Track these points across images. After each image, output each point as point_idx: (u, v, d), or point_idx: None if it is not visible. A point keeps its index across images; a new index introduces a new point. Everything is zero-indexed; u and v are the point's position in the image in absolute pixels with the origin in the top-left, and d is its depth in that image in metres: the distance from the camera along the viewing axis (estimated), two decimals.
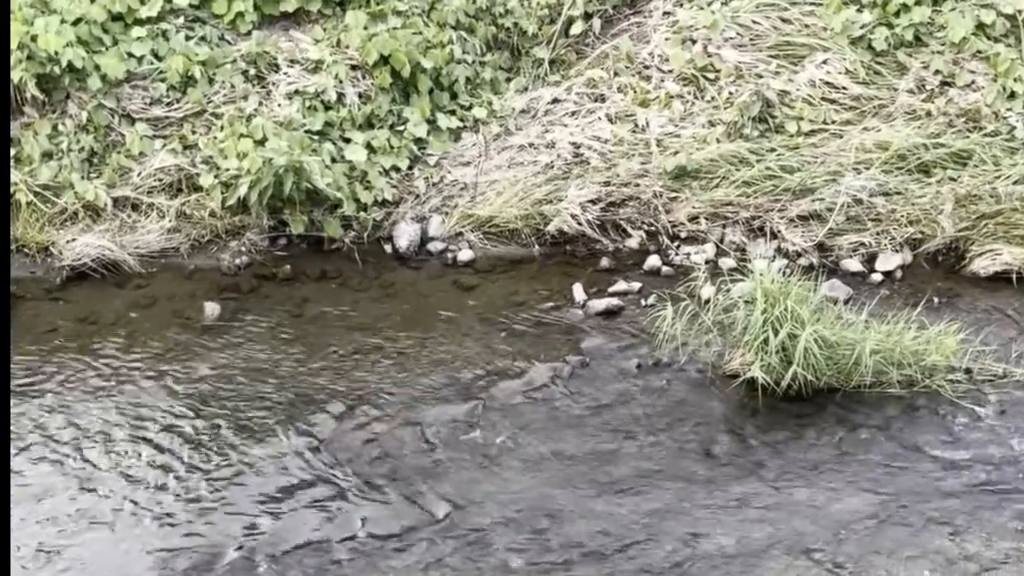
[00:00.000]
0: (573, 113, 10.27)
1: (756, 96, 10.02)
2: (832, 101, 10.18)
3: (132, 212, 9.66)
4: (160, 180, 9.73)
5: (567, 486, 7.51)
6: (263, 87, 10.09)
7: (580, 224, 9.68)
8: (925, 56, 10.36)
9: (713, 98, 10.24)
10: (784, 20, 10.56)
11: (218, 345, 8.69)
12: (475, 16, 10.62)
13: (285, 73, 10.14)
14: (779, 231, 9.63)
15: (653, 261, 9.55)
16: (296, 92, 10.05)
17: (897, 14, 10.40)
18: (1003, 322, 8.90)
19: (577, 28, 10.62)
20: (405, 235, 9.71)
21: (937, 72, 10.26)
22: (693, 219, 9.74)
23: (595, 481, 7.54)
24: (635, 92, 10.32)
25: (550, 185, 9.86)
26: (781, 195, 9.71)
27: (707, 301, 8.61)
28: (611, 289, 9.24)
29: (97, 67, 9.79)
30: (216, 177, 9.64)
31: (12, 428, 7.78)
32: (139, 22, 10.07)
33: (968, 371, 8.32)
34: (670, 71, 10.43)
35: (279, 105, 9.95)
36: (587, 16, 10.68)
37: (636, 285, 9.27)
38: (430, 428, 7.93)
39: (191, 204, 9.68)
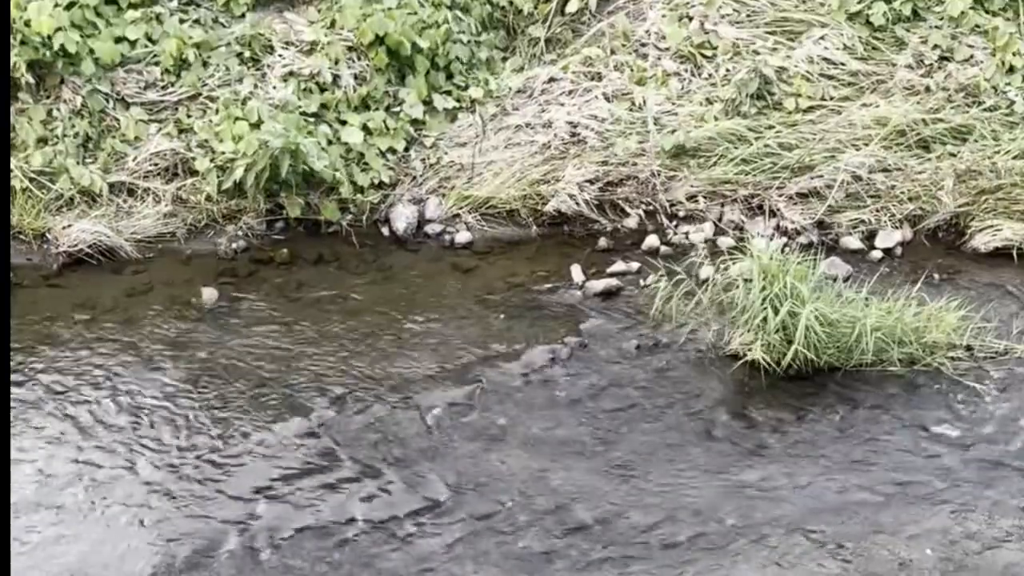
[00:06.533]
0: (570, 92, 10.23)
1: (754, 73, 9.98)
2: (830, 77, 10.15)
3: (128, 197, 9.63)
4: (156, 165, 9.70)
5: (568, 468, 7.49)
6: (258, 70, 10.04)
7: (578, 204, 9.66)
8: (923, 31, 10.33)
9: (710, 75, 10.20)
10: None
11: (216, 330, 8.67)
12: None
13: (280, 55, 10.09)
14: (778, 209, 9.61)
15: (651, 241, 9.53)
16: (291, 74, 10.00)
17: None
18: (1004, 298, 8.88)
19: (573, 6, 10.56)
20: (402, 217, 9.69)
21: (936, 47, 10.23)
22: (691, 198, 9.72)
23: (595, 462, 7.53)
24: (632, 70, 10.28)
25: (547, 165, 9.82)
26: (779, 173, 9.68)
27: (706, 281, 8.60)
28: (609, 270, 9.22)
29: (91, 51, 9.74)
30: (212, 161, 9.61)
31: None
32: (132, 5, 10.01)
33: (969, 348, 8.31)
34: (667, 49, 10.39)
35: (274, 88, 9.91)
36: None
37: (634, 265, 9.25)
38: (429, 411, 7.91)
39: (187, 188, 9.65)
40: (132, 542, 7.00)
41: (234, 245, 9.52)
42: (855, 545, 6.92)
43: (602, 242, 9.57)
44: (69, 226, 9.37)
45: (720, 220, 9.65)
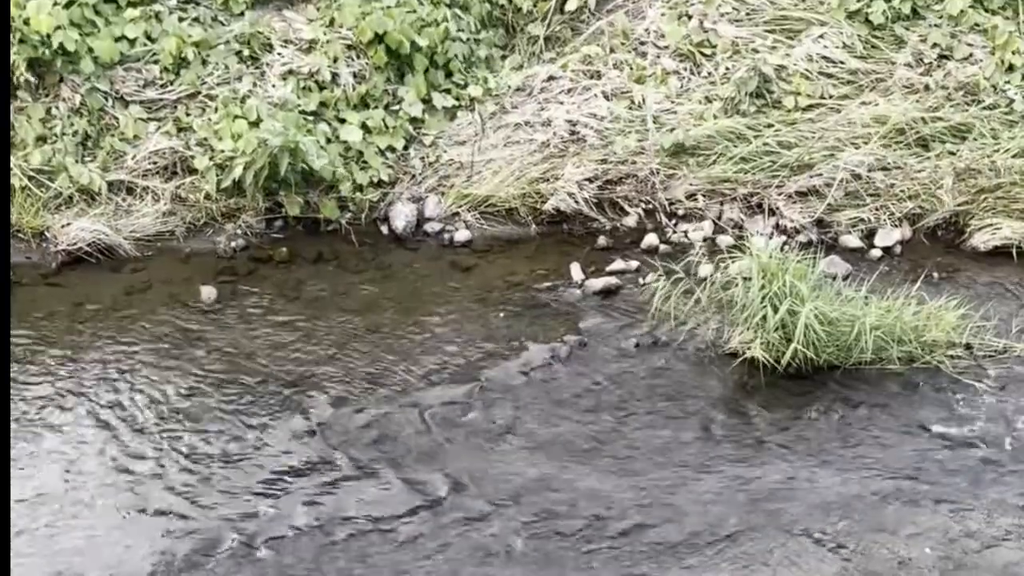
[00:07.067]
0: (569, 91, 10.22)
1: (753, 71, 9.97)
2: (829, 76, 10.15)
3: (127, 196, 9.62)
4: (155, 163, 9.69)
5: (567, 466, 7.49)
6: (257, 68, 10.04)
7: (577, 203, 9.66)
8: (923, 29, 10.33)
9: (710, 74, 10.20)
10: None
11: (215, 329, 8.66)
12: None
13: (279, 53, 10.09)
14: (777, 207, 9.61)
15: (651, 239, 9.52)
16: (290, 72, 9.99)
17: None
18: (1003, 297, 8.89)
19: (572, 4, 10.55)
20: (401, 216, 9.68)
21: (935, 45, 10.23)
22: (690, 196, 9.72)
23: (595, 461, 7.53)
24: (631, 69, 10.28)
25: (547, 164, 9.82)
26: (779, 171, 9.68)
27: (705, 279, 8.61)
28: (609, 268, 9.22)
29: (90, 49, 9.73)
30: (211, 159, 9.61)
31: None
32: (132, 3, 10.00)
33: (968, 346, 8.31)
34: (666, 47, 10.38)
35: (273, 86, 9.90)
36: None
37: (634, 264, 9.25)
38: (428, 410, 7.91)
39: (186, 187, 9.64)
40: (131, 541, 6.99)
41: (233, 243, 9.52)
42: (855, 543, 6.92)
43: (601, 240, 9.57)
44: (68, 224, 9.36)
45: (719, 218, 9.64)
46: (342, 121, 9.91)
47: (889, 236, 9.50)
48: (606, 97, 10.14)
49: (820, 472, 7.42)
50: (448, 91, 10.27)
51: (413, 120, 10.10)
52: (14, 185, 9.36)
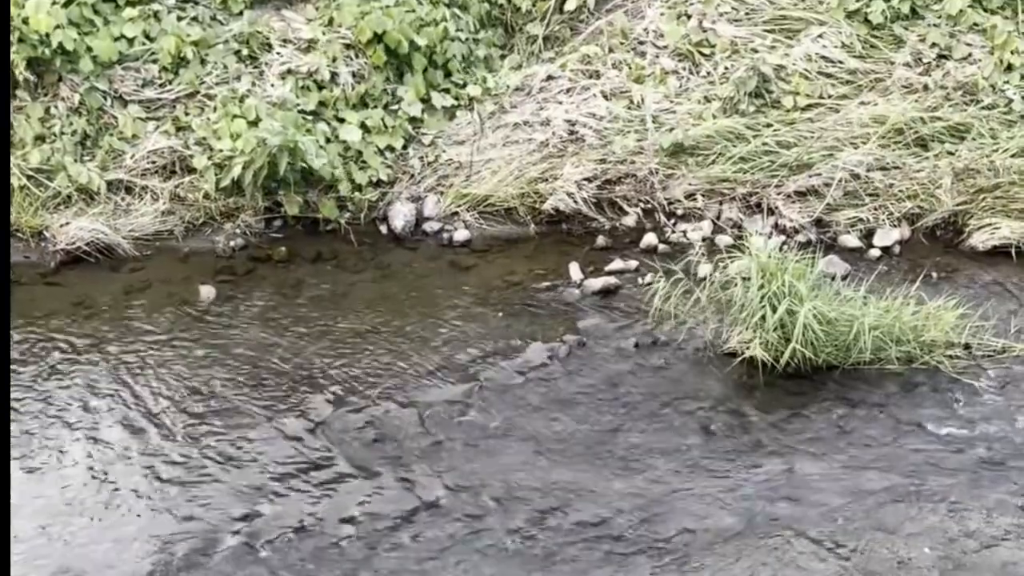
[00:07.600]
0: (568, 90, 10.23)
1: (752, 71, 9.98)
2: (828, 75, 10.16)
3: (126, 195, 9.63)
4: (153, 162, 9.69)
5: (566, 466, 7.49)
6: (256, 67, 10.04)
7: (576, 202, 9.66)
8: (922, 29, 10.34)
9: (709, 73, 10.20)
10: None
11: (214, 328, 8.66)
12: None
13: (278, 53, 10.09)
14: (776, 207, 9.61)
15: (650, 239, 9.53)
16: (289, 72, 10.00)
17: None
18: (1002, 296, 8.89)
19: (571, 4, 10.56)
20: (400, 215, 9.68)
21: (934, 45, 10.24)
22: (689, 196, 9.72)
23: (593, 461, 7.52)
24: (630, 68, 10.28)
25: (546, 163, 9.82)
26: (778, 171, 9.68)
27: (704, 279, 8.61)
28: (608, 268, 9.23)
29: (89, 49, 9.74)
30: (210, 159, 9.61)
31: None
32: (131, 3, 10.01)
33: (967, 346, 8.31)
34: (665, 47, 10.39)
35: (272, 85, 9.90)
36: None
37: (633, 264, 9.25)
38: (427, 410, 7.91)
39: (185, 186, 9.65)
40: (130, 540, 6.98)
41: (232, 243, 9.52)
42: (854, 543, 6.91)
43: (600, 240, 9.57)
44: (67, 224, 9.36)
45: (718, 218, 9.65)
46: (341, 121, 9.91)
47: (888, 236, 9.50)
48: (605, 97, 10.14)
49: (819, 471, 7.42)
50: (447, 91, 10.27)
51: (412, 120, 10.10)
52: (13, 184, 9.36)
